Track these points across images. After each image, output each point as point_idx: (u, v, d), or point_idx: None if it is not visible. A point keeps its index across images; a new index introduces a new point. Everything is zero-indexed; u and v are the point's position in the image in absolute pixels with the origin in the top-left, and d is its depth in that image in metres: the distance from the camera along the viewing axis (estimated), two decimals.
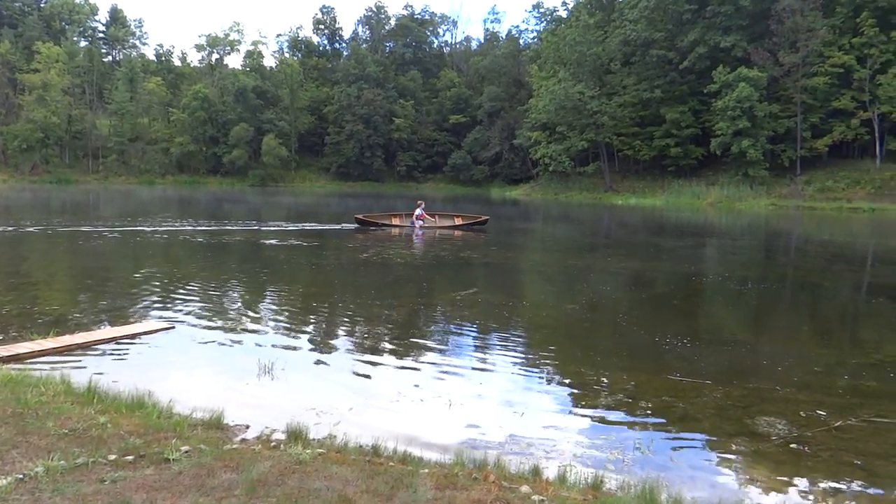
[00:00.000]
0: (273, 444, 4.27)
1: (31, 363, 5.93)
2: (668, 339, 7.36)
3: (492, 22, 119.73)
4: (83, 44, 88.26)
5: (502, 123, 78.91)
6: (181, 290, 9.56)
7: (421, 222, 22.18)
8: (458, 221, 22.83)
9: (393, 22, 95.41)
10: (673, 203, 48.85)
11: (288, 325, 7.72)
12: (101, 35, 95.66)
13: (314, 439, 4.43)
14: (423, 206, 22.81)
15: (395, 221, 22.37)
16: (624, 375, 6.12)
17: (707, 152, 52.78)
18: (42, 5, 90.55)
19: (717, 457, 4.60)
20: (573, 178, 63.13)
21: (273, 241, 16.89)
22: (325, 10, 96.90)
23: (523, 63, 77.46)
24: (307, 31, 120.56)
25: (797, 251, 19.04)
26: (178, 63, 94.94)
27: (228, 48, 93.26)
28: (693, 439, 4.86)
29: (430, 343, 7.14)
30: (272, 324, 7.78)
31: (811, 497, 4.10)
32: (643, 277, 12.41)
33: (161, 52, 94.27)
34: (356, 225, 21.28)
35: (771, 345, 7.50)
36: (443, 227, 22.11)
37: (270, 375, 5.88)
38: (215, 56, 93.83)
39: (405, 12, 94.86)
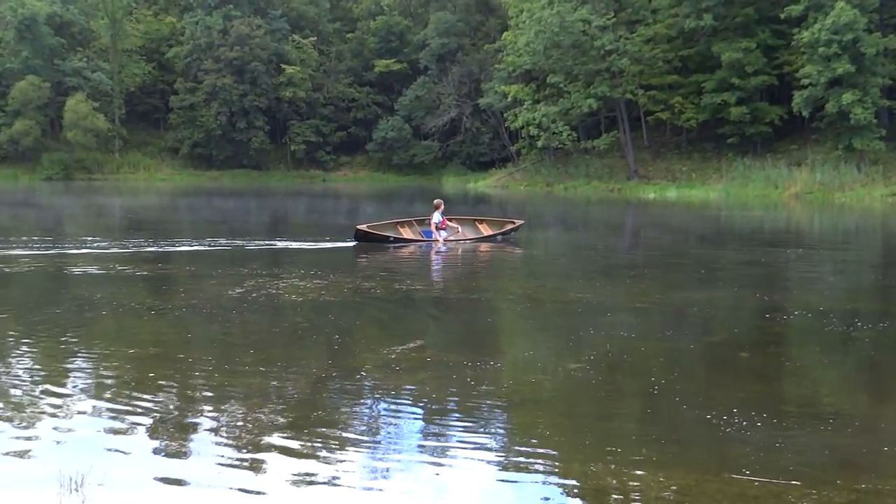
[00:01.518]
0: None
1: None
2: (730, 416, 7.47)
3: None
4: None
5: (461, 73, 79.80)
6: None
7: (444, 233, 23.34)
8: (487, 230, 24.57)
9: None
10: (736, 195, 49.85)
11: (110, 410, 7.58)
12: None
13: None
14: (442, 208, 23.77)
15: (406, 233, 23.57)
16: (660, 475, 6.18)
17: (788, 113, 54.11)
18: None
19: None
20: (577, 160, 64.06)
21: (91, 270, 16.59)
22: None
23: None
24: None
25: None
26: None
27: None
28: None
29: (346, 434, 7.09)
30: (84, 408, 7.63)
31: None
32: (690, 316, 12.61)
33: None
34: (355, 241, 22.16)
35: (894, 421, 7.68)
36: (473, 239, 23.82)
37: (80, 494, 5.75)
38: None
39: None
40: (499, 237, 24.41)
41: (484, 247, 22.96)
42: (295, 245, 21.79)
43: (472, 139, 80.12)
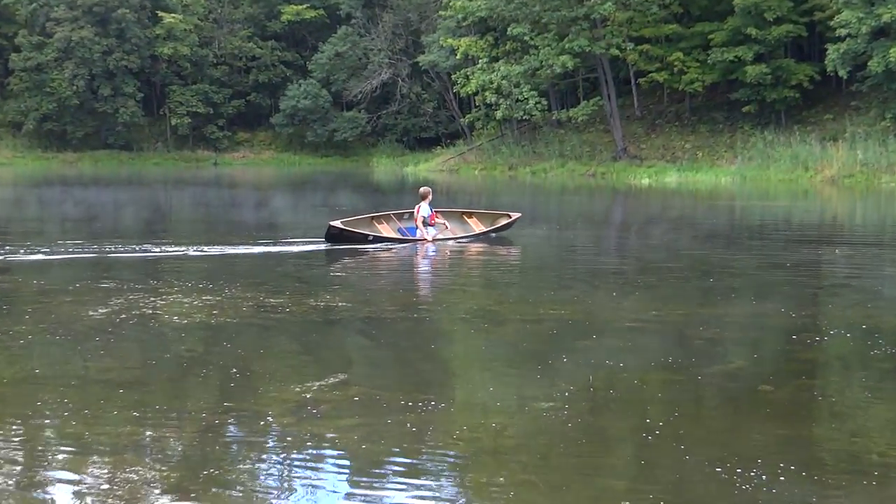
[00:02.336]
0: None
1: None
2: (748, 468, 7.51)
3: None
4: None
5: (394, 22, 79.83)
6: None
7: (433, 230, 24.08)
8: (478, 226, 25.74)
9: None
10: (754, 180, 50.26)
11: None
12: None
13: None
14: (430, 198, 24.37)
15: (385, 230, 24.47)
16: None
17: (820, 73, 54.65)
18: None
19: None
20: (548, 135, 64.31)
21: None
22: None
23: None
24: None
25: None
26: None
27: None
28: None
29: (246, 501, 7.04)
30: None
31: None
32: (696, 338, 12.69)
33: None
34: (326, 242, 22.87)
35: None
36: (465, 237, 24.93)
37: None
38: None
39: None
40: (493, 234, 25.49)
41: (475, 247, 23.58)
42: (245, 250, 21.97)
43: (410, 109, 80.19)
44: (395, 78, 79.13)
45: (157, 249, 22.17)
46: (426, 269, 20.88)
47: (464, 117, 71.45)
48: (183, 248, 22.03)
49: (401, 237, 24.09)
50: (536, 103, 60.14)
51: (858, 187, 45.74)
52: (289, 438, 8.41)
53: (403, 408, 9.21)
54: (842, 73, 50.86)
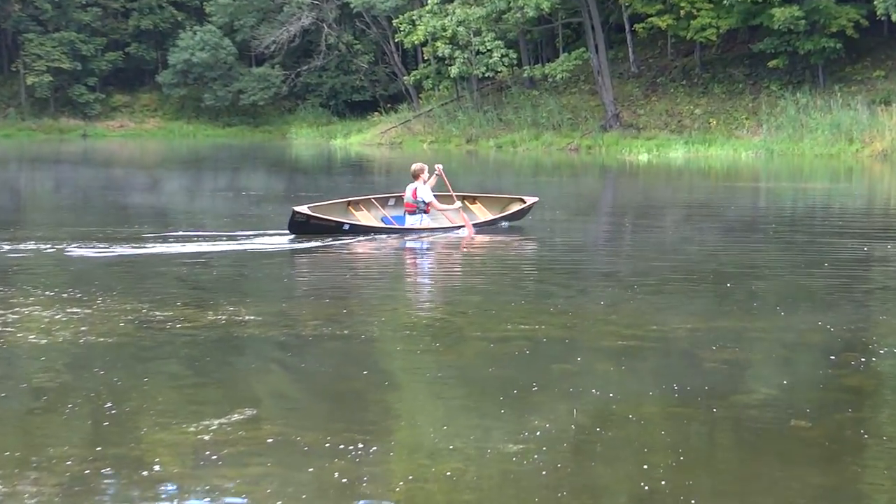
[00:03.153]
0: None
1: None
2: None
3: None
4: None
5: None
6: None
7: (425, 217, 24.73)
8: (484, 213, 26.77)
9: None
10: (784, 155, 50.58)
11: None
12: None
13: None
14: (426, 175, 24.98)
15: (364, 217, 25.05)
16: None
17: (867, 17, 54.87)
18: None
19: None
20: (518, 99, 64.49)
21: None
22: None
23: None
24: None
25: None
26: None
27: None
28: None
29: None
30: None
31: None
32: (708, 360, 12.74)
33: None
34: (292, 234, 23.44)
35: None
36: (474, 225, 25.43)
37: None
38: None
39: None
40: (505, 223, 26.42)
41: (478, 239, 24.27)
42: (126, 249, 21.86)
43: (339, 65, 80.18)
44: (318, 24, 78.93)
45: (7, 247, 22.06)
46: (373, 269, 20.89)
47: (408, 75, 71.43)
48: (41, 246, 21.93)
49: (385, 227, 24.61)
50: (503, 56, 60.17)
51: None
52: (182, 493, 8.38)
53: (329, 452, 9.20)
54: None
